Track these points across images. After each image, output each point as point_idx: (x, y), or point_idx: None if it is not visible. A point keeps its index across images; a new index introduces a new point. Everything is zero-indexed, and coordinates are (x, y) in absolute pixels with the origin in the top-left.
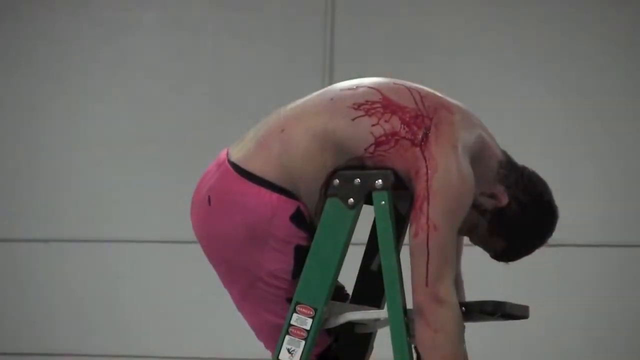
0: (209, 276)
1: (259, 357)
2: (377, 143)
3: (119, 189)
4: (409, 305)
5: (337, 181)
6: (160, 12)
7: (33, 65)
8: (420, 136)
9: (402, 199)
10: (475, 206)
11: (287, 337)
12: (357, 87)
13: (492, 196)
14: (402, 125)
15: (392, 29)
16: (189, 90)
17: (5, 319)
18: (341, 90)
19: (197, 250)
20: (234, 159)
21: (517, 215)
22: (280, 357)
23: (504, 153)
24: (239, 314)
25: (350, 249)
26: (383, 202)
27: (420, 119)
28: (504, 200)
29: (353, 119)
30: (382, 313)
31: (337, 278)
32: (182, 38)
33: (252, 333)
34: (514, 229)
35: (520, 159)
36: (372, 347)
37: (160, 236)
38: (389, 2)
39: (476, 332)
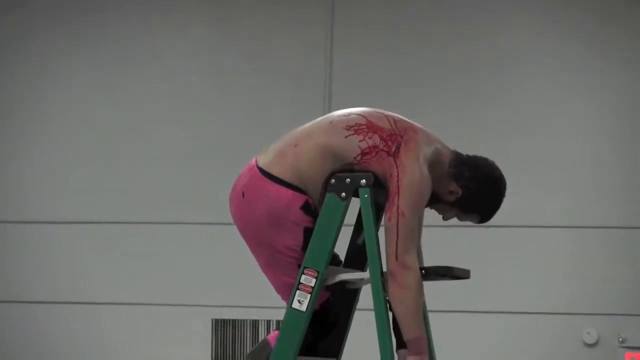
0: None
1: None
2: (363, 153)
3: (177, 183)
4: (385, 269)
5: (333, 181)
6: (207, 61)
7: (96, 81)
8: (393, 149)
9: (380, 194)
10: (444, 202)
11: (298, 292)
12: (349, 114)
13: (451, 192)
14: (381, 141)
15: (381, 64)
16: (226, 115)
17: None
18: (338, 116)
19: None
20: (260, 165)
21: (474, 197)
22: (293, 305)
23: (453, 152)
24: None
25: (343, 229)
26: (366, 196)
27: (394, 137)
28: (459, 192)
29: (346, 137)
30: (365, 274)
31: (333, 249)
32: (222, 80)
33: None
34: (478, 205)
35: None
36: (358, 299)
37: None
38: (380, 39)
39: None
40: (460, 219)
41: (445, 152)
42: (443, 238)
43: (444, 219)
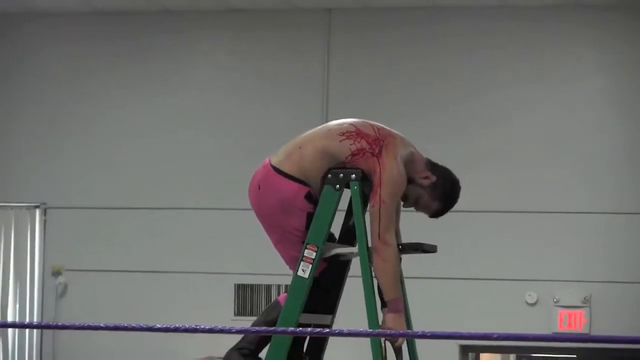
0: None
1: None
2: (353, 154)
3: (205, 178)
4: (370, 245)
5: (330, 176)
6: (227, 79)
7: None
8: (377, 151)
9: (366, 186)
10: (419, 185)
11: (302, 263)
12: (343, 123)
13: (426, 177)
14: (367, 145)
15: (370, 82)
16: (243, 123)
17: None
18: (333, 125)
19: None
20: (272, 163)
21: (443, 186)
22: (298, 273)
23: (427, 158)
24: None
25: (337, 213)
26: (355, 187)
27: (377, 141)
28: (433, 178)
29: (340, 141)
30: (355, 249)
31: (329, 229)
32: (239, 94)
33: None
34: (443, 195)
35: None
36: (349, 268)
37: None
38: (369, 61)
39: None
40: (418, 205)
41: (418, 155)
42: (421, 223)
43: (404, 205)
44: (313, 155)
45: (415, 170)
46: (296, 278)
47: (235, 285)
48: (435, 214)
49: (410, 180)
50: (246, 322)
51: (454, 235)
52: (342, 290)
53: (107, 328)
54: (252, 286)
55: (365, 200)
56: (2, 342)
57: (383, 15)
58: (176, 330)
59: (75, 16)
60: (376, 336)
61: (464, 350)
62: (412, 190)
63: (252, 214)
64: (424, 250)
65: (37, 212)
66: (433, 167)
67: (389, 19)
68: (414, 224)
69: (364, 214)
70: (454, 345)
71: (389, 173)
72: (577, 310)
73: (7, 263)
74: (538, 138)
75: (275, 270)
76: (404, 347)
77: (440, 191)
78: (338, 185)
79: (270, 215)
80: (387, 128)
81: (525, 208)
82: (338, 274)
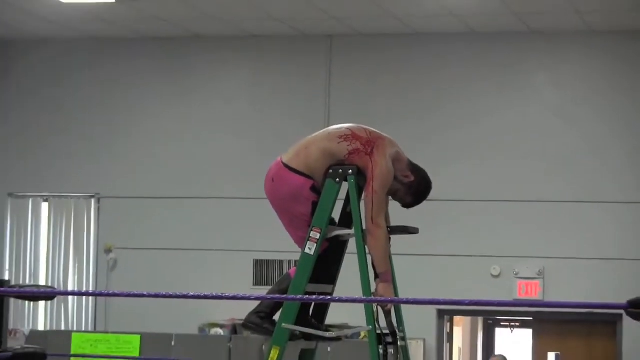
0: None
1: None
2: (349, 153)
3: (220, 171)
4: (364, 227)
5: (330, 171)
6: (247, 92)
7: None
8: (369, 150)
9: (361, 179)
10: (399, 181)
11: (308, 242)
12: (341, 127)
13: (406, 176)
14: (361, 145)
15: (363, 95)
16: (260, 128)
17: None
18: (333, 129)
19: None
20: (284, 161)
21: (418, 186)
22: (305, 251)
23: (409, 160)
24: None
25: (337, 202)
26: (352, 181)
27: (369, 143)
28: (412, 178)
29: (338, 143)
30: (351, 231)
31: (331, 215)
32: (257, 104)
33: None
34: (416, 193)
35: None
36: (347, 247)
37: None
38: (365, 75)
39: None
40: (395, 197)
41: (402, 154)
42: (407, 210)
43: (388, 194)
44: (317, 155)
45: (399, 169)
46: (304, 255)
47: (254, 260)
48: (406, 205)
49: (393, 176)
50: (263, 291)
51: (433, 219)
52: (341, 264)
53: (149, 296)
54: (268, 261)
55: (360, 191)
56: (64, 308)
57: (375, 41)
58: (205, 297)
59: (125, 42)
60: (369, 302)
61: (441, 313)
62: (393, 185)
63: (267, 202)
64: (409, 231)
65: (93, 201)
66: (413, 168)
67: (380, 44)
68: (402, 210)
69: (359, 202)
70: (432, 310)
71: (380, 169)
72: (533, 281)
73: (68, 243)
74: (501, 138)
75: (286, 249)
76: (392, 311)
77: (415, 190)
78: (338, 179)
79: (282, 204)
80: (378, 131)
81: (491, 197)
82: (338, 252)
